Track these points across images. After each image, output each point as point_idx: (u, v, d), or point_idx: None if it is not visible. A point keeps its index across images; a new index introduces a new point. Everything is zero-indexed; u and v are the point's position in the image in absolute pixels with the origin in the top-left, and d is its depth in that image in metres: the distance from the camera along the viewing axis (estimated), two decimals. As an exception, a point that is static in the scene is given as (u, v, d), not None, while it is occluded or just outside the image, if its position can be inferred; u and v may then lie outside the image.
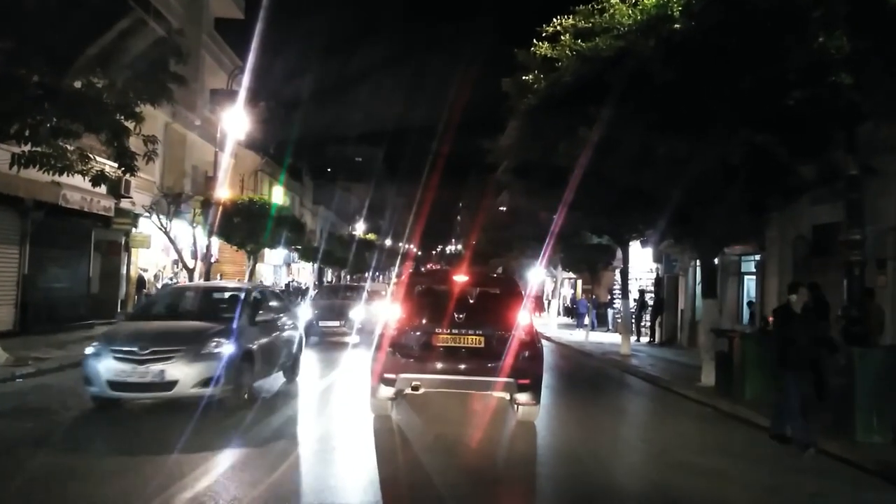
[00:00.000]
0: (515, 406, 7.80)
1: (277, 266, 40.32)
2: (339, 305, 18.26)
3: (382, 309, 16.69)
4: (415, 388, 7.31)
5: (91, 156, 11.22)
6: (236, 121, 19.14)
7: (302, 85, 52.54)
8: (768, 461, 7.01)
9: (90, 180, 11.12)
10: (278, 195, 36.47)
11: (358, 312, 17.91)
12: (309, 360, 12.70)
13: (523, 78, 10.77)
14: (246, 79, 19.31)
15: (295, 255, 40.80)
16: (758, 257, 16.09)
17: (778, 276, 14.95)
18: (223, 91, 20.67)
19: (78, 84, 9.82)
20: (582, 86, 9.08)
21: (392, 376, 7.28)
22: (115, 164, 11.01)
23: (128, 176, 11.79)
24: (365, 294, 19.76)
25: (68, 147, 10.62)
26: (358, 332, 17.17)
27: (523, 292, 8.53)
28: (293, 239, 28.95)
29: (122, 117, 10.25)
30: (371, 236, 53.13)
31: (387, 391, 7.42)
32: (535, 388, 7.43)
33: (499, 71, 12.76)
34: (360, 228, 55.58)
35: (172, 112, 22.09)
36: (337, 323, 17.48)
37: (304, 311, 16.06)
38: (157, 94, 10.68)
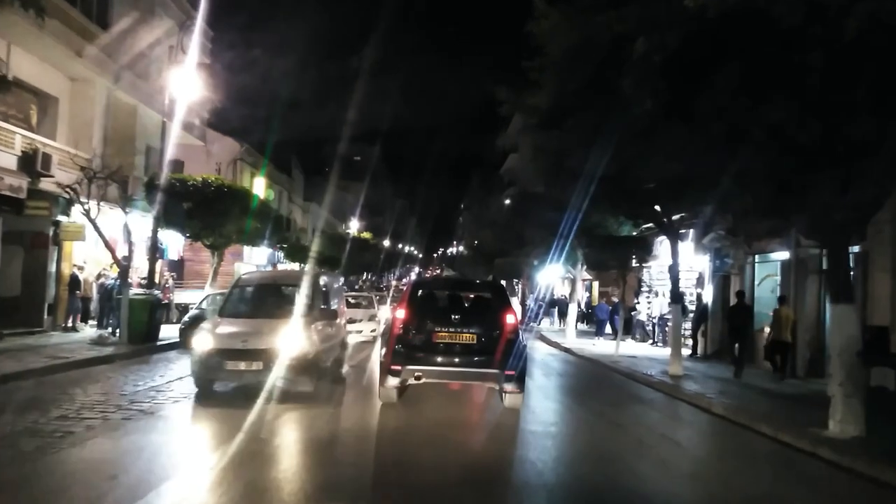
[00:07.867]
0: (502, 395, 8.87)
1: (261, 266, 36.50)
2: None
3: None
4: (417, 378, 8.46)
5: None
6: (186, 82, 15.47)
7: (296, 80, 48.94)
8: None
9: None
10: (260, 187, 32.70)
11: None
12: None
13: None
14: (197, 33, 15.68)
15: (280, 254, 37.11)
16: (856, 248, 12.28)
17: (891, 272, 11.19)
18: (175, 50, 16.93)
19: None
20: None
21: (398, 368, 8.46)
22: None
23: None
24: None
25: None
26: None
27: (509, 296, 10.24)
28: (275, 235, 25.39)
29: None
30: (366, 235, 49.29)
31: (393, 381, 8.55)
32: (519, 379, 8.62)
33: (500, 71, 9.24)
34: (354, 227, 51.79)
35: (115, 76, 18.36)
36: None
37: None
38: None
